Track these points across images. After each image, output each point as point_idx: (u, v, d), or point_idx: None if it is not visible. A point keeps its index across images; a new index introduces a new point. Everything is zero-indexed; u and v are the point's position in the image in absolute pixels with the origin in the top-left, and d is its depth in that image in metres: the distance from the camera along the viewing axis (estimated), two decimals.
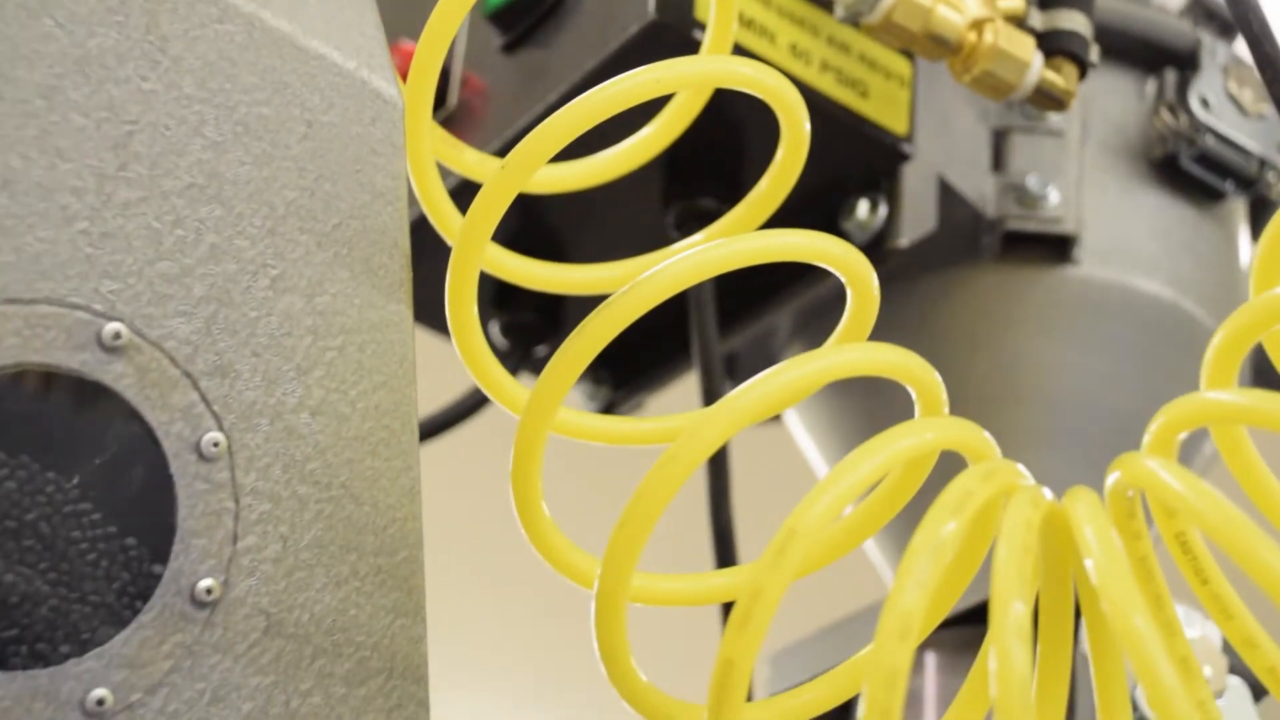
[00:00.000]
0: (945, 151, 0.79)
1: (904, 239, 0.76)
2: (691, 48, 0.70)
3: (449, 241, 0.58)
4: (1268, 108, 0.84)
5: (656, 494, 0.48)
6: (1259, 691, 0.70)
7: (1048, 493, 0.47)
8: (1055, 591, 0.49)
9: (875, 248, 0.77)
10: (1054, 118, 0.82)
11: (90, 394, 0.49)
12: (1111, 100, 0.84)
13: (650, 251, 0.61)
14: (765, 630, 0.45)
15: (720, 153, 0.77)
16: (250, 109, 0.53)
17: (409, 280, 0.55)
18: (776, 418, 0.96)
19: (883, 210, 0.77)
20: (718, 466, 0.79)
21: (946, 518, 0.45)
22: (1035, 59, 0.73)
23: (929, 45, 0.73)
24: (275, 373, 0.52)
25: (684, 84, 0.61)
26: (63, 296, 0.49)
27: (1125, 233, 0.83)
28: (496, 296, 0.86)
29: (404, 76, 0.57)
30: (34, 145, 0.49)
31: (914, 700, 0.79)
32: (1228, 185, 0.84)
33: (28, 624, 0.48)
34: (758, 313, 0.87)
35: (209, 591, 0.50)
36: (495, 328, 0.86)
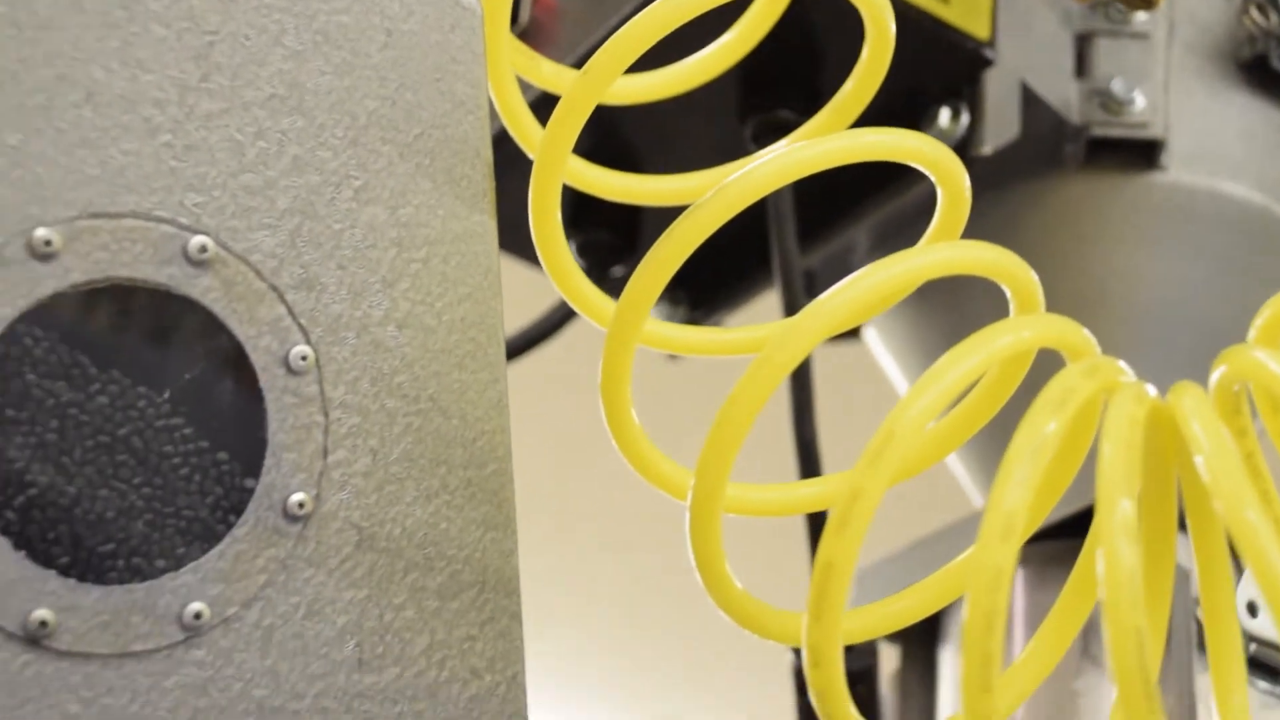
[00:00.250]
0: (1028, 57, 0.77)
1: (987, 147, 0.75)
2: None
3: (529, 154, 0.57)
4: None
5: (751, 397, 0.47)
6: None
7: (1151, 389, 0.46)
8: (1158, 492, 0.48)
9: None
10: (1139, 20, 0.80)
11: (178, 308, 0.49)
12: (1198, 1, 0.82)
13: None
14: (864, 532, 0.45)
15: (798, 63, 0.76)
16: (330, 17, 0.52)
17: (492, 190, 0.54)
18: (856, 335, 0.95)
19: (965, 118, 0.75)
20: (801, 381, 0.78)
21: (1048, 416, 0.44)
22: None
23: None
24: (361, 285, 0.52)
25: None
26: (148, 210, 0.49)
27: (1213, 136, 0.81)
28: (572, 216, 0.85)
29: None
30: (115, 57, 0.49)
31: None
32: None
33: (123, 539, 0.48)
34: (836, 227, 0.86)
35: (301, 506, 0.50)
36: (571, 248, 0.85)
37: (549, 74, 0.62)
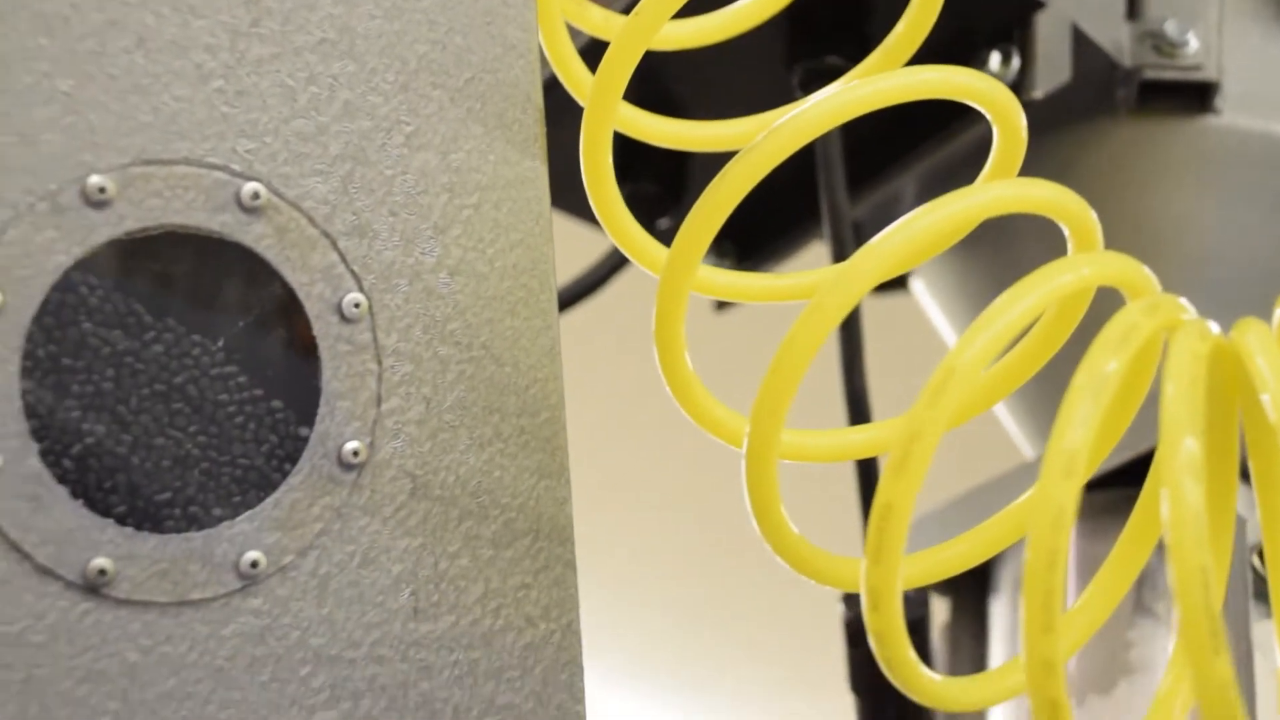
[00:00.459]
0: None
1: (1038, 91, 0.74)
2: None
3: (579, 100, 0.57)
4: None
5: (806, 341, 0.46)
6: None
7: (1214, 326, 0.45)
8: (1220, 432, 0.48)
9: None
10: None
11: (231, 256, 0.49)
12: None
13: None
14: (924, 473, 0.44)
15: (847, 8, 0.75)
16: None
17: (543, 136, 0.54)
18: (903, 285, 0.94)
19: (1015, 62, 0.74)
20: (850, 331, 0.78)
21: (1110, 354, 0.44)
22: None
23: None
24: (413, 232, 0.51)
25: None
26: (201, 156, 0.49)
27: (1267, 78, 0.80)
28: (619, 167, 0.84)
29: None
30: (166, 2, 0.49)
31: None
32: None
33: (180, 487, 0.48)
34: (883, 177, 0.85)
35: (355, 454, 0.50)
36: None
37: (598, 20, 0.61)
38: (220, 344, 0.49)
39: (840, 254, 0.76)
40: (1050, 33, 0.75)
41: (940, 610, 0.89)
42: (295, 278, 0.50)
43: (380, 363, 0.51)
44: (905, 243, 0.47)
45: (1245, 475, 0.48)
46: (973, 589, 0.87)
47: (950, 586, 0.88)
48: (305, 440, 0.50)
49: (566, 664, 0.53)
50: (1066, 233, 0.49)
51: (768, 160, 0.48)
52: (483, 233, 0.53)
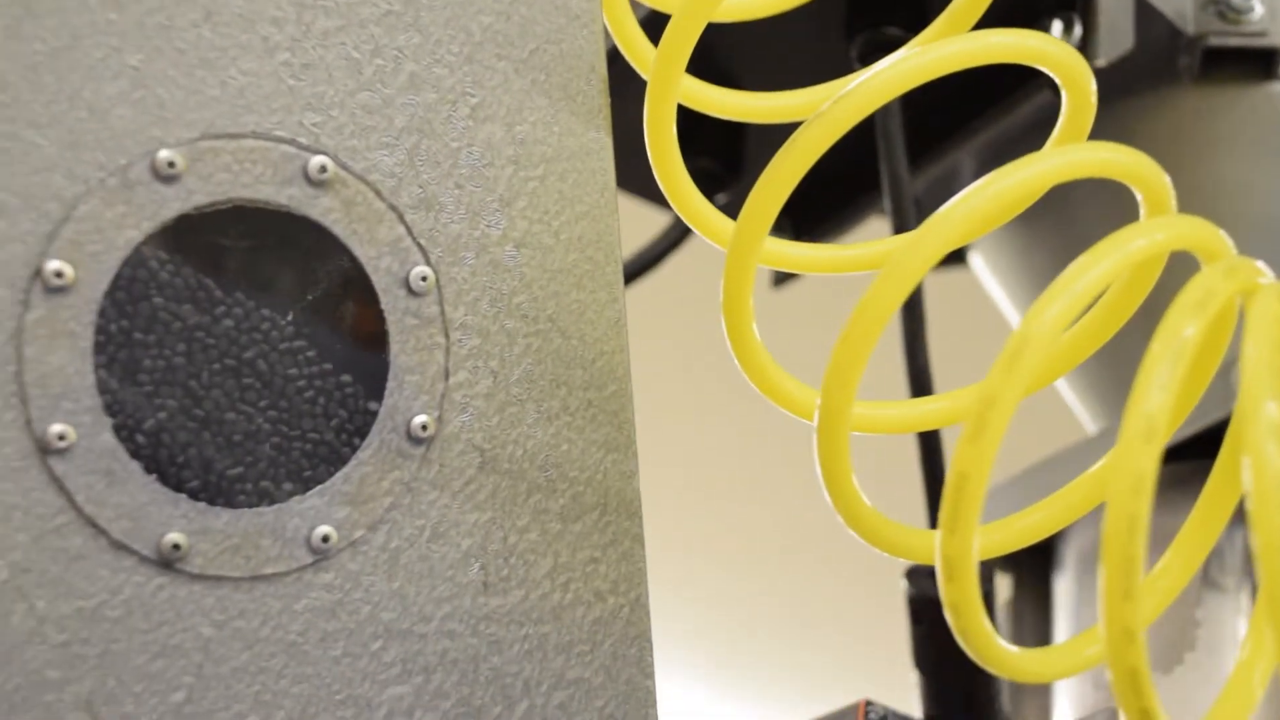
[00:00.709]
0: None
1: (1101, 59, 0.73)
2: None
3: (642, 73, 0.56)
4: None
5: (877, 311, 0.46)
6: None
7: None
8: None
9: None
10: None
11: (299, 230, 0.49)
12: None
13: None
14: (999, 441, 0.44)
15: None
16: None
17: (607, 107, 0.54)
18: (963, 260, 0.93)
19: (1078, 30, 0.73)
20: (912, 306, 0.77)
21: (1188, 318, 0.43)
22: None
23: None
24: (479, 204, 0.51)
25: None
26: (268, 130, 0.49)
27: None
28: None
29: None
30: None
31: None
32: None
33: (251, 462, 0.48)
34: (942, 150, 0.84)
35: (424, 428, 0.50)
36: None
37: None
38: (289, 318, 0.49)
39: (901, 226, 0.75)
40: (1112, 0, 0.74)
41: (1003, 587, 0.88)
42: (362, 251, 0.50)
43: (448, 336, 0.51)
44: (979, 207, 0.46)
45: None
46: (1036, 565, 0.87)
47: (1013, 563, 0.88)
48: (374, 415, 0.50)
49: (635, 638, 0.53)
50: (1139, 197, 0.48)
51: (838, 126, 0.48)
52: (548, 205, 0.52)
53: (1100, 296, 0.51)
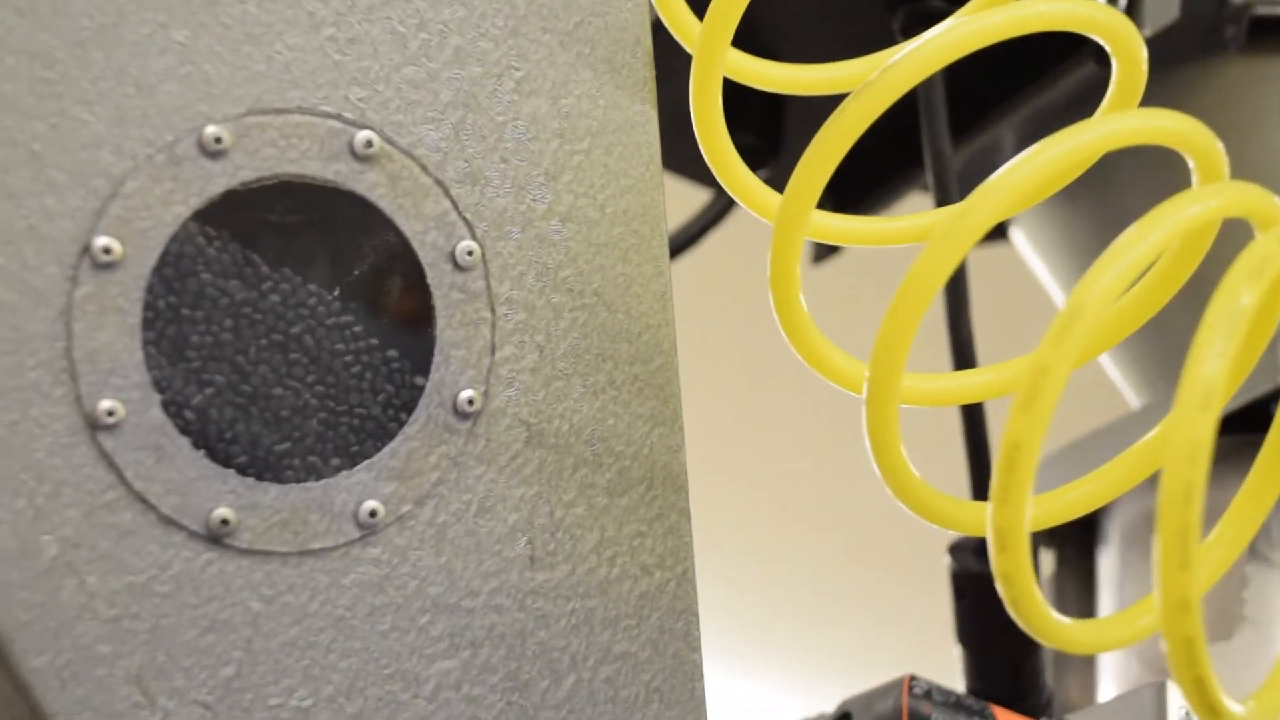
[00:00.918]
0: None
1: (1146, 29, 0.73)
2: None
3: (686, 46, 0.56)
4: None
5: (926, 282, 0.46)
6: None
7: None
8: None
9: None
10: None
11: (345, 205, 0.49)
12: None
13: None
14: (1051, 411, 0.43)
15: None
16: None
17: (652, 79, 0.53)
18: (1004, 236, 0.93)
19: (1123, 0, 0.73)
20: (956, 280, 0.76)
21: (1245, 285, 0.43)
22: None
23: None
24: (524, 178, 0.51)
25: None
26: (314, 105, 0.49)
27: None
28: None
29: None
30: None
31: None
32: None
33: (299, 437, 0.48)
34: (983, 125, 0.84)
35: (470, 402, 0.50)
36: None
37: None
38: (335, 294, 0.49)
39: (945, 199, 0.75)
40: None
41: (1045, 563, 0.88)
42: (408, 226, 0.50)
43: (494, 311, 0.51)
44: (1030, 175, 0.46)
45: None
46: (1079, 541, 0.86)
47: (1055, 539, 0.87)
48: (421, 389, 0.50)
49: (682, 612, 0.53)
50: (1191, 164, 0.48)
51: (888, 95, 0.47)
52: (594, 178, 0.52)
53: (1150, 267, 0.50)
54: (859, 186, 0.90)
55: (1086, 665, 0.84)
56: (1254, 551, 0.75)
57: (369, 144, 0.49)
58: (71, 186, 0.46)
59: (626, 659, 0.52)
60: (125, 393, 0.47)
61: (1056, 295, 0.91)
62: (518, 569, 0.51)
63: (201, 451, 0.47)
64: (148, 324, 0.47)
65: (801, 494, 2.08)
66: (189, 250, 0.47)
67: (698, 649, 0.53)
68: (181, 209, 0.47)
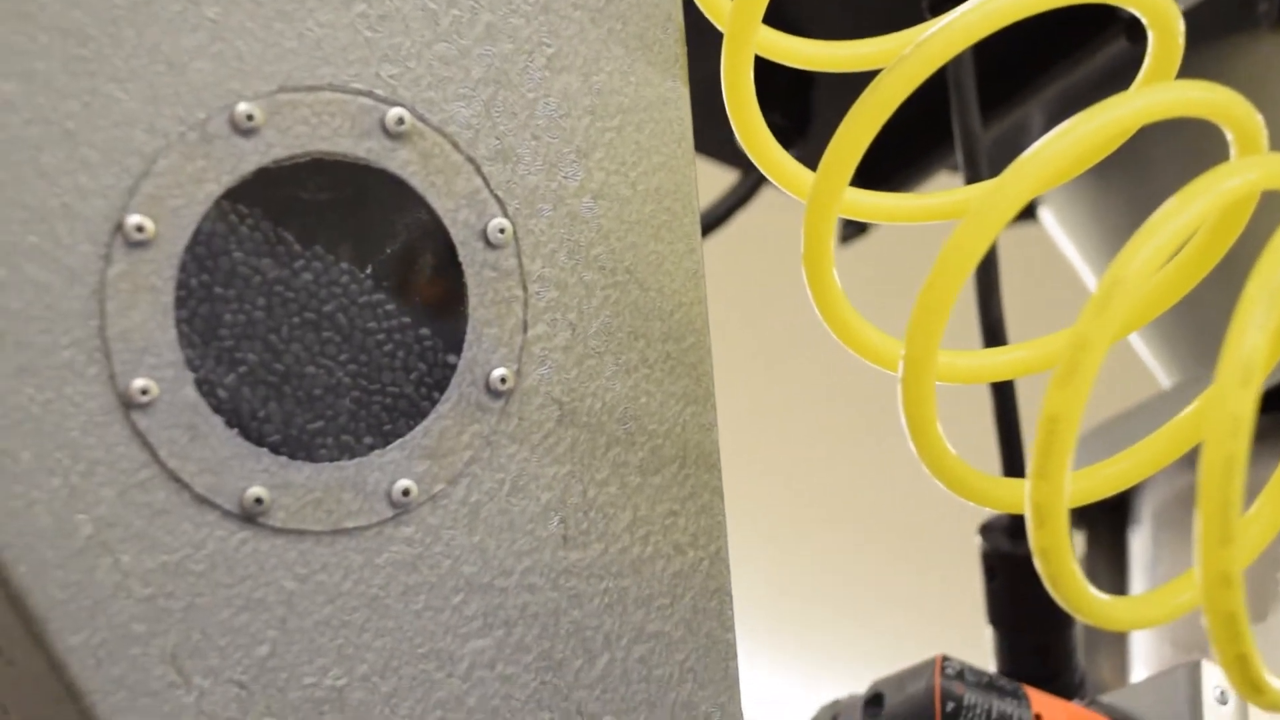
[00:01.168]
0: None
1: (1180, 3, 0.72)
2: None
3: (717, 24, 0.56)
4: None
5: (961, 258, 0.45)
6: None
7: None
8: None
9: None
10: None
11: (376, 182, 0.49)
12: None
13: None
14: (1090, 385, 0.43)
15: None
16: None
17: (684, 56, 0.53)
18: (1033, 216, 0.92)
19: None
20: (986, 260, 0.76)
21: None
22: None
23: None
24: (556, 156, 0.51)
25: None
26: (345, 82, 0.48)
27: None
28: None
29: None
30: None
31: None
32: None
33: (332, 416, 0.48)
34: (1012, 103, 0.83)
35: (503, 381, 0.50)
36: None
37: None
38: (367, 272, 0.49)
39: (975, 177, 0.75)
40: None
41: (1076, 544, 0.87)
42: (440, 204, 0.49)
43: (526, 289, 0.50)
44: (1066, 149, 0.45)
45: None
46: (1110, 521, 0.86)
47: (1087, 519, 0.87)
48: (453, 368, 0.50)
49: (715, 591, 0.53)
50: (1230, 137, 0.47)
51: (921, 70, 0.47)
52: (625, 155, 0.52)
53: (1188, 240, 0.50)
54: (887, 166, 0.89)
55: (1118, 646, 0.84)
56: None
57: (400, 121, 0.49)
58: (104, 164, 0.46)
59: (660, 638, 0.51)
60: (158, 371, 0.46)
61: (1086, 275, 0.91)
62: (551, 548, 0.50)
63: (235, 430, 0.47)
64: (180, 302, 0.47)
65: (818, 481, 2.07)
66: (221, 228, 0.47)
67: (731, 628, 0.53)
68: (214, 187, 0.47)
